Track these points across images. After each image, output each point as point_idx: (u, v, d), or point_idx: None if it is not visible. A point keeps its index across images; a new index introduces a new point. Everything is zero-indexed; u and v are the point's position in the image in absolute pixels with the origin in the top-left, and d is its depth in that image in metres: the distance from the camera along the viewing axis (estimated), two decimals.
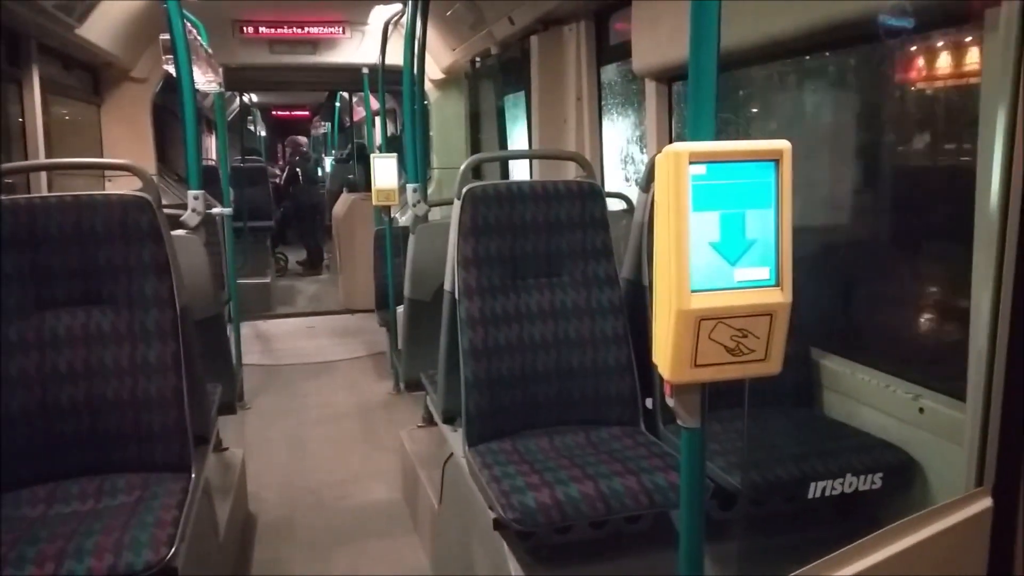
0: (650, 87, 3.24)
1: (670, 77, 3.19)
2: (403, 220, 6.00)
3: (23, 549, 1.55)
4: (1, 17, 3.72)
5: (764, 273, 1.16)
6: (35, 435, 1.88)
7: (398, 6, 5.19)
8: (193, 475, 1.94)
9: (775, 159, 1.15)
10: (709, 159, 1.13)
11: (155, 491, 1.83)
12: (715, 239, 1.14)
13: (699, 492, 1.25)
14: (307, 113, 15.68)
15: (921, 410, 1.95)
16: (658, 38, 2.93)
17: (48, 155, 4.35)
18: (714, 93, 1.16)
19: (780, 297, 1.15)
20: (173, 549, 1.60)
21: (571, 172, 3.61)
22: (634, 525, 1.95)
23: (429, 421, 3.55)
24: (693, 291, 1.12)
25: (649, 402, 2.27)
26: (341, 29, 6.26)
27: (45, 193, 4.05)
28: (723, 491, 1.88)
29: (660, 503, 1.80)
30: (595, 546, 1.93)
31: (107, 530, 1.61)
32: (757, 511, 2.00)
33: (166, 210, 2.14)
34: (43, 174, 4.18)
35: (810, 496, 1.80)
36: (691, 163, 1.11)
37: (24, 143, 4.21)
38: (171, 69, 3.35)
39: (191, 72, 3.22)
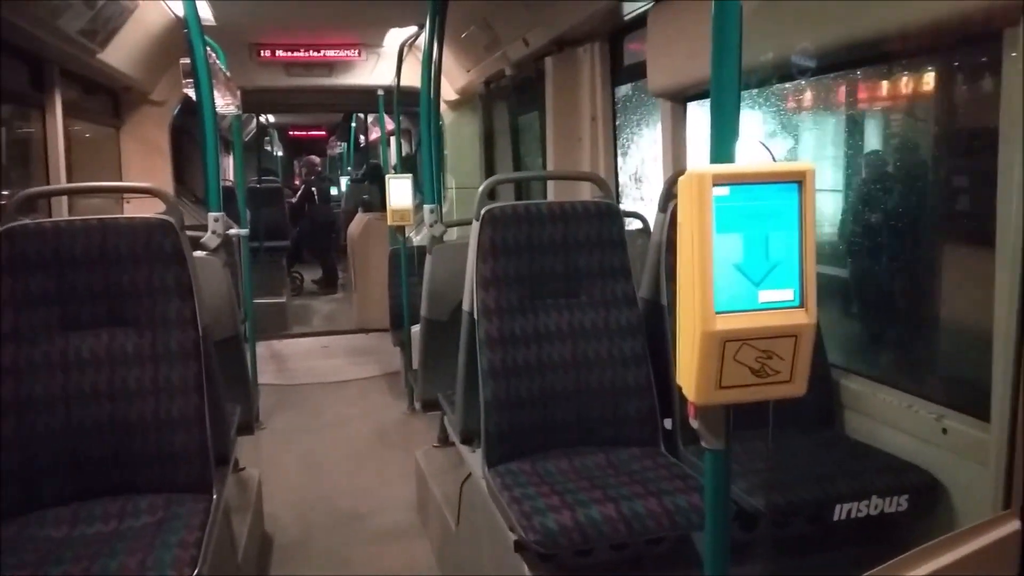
0: (665, 107, 3.26)
1: (685, 97, 3.20)
2: (418, 240, 6.05)
3: (49, 570, 1.55)
4: (25, 43, 3.79)
5: (788, 295, 1.16)
6: (59, 455, 1.89)
7: (413, 29, 5.26)
8: (215, 496, 1.94)
9: (798, 180, 1.15)
10: (732, 181, 1.13)
11: (177, 512, 1.83)
12: (739, 260, 1.14)
13: (724, 514, 1.24)
14: (323, 133, 15.83)
15: (944, 431, 1.93)
16: (673, 58, 2.94)
17: (69, 177, 4.41)
18: (737, 113, 1.16)
19: (805, 318, 1.15)
20: (196, 571, 1.60)
21: (586, 192, 3.63)
22: (655, 547, 1.93)
23: (445, 441, 3.55)
24: (717, 312, 1.12)
25: (668, 423, 2.26)
26: (357, 52, 6.33)
27: (65, 213, 4.11)
28: (745, 513, 1.86)
29: (682, 525, 1.79)
30: (616, 568, 1.92)
31: (131, 551, 1.62)
32: (779, 533, 1.98)
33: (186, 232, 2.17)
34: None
35: (835, 518, 1.78)
36: (714, 185, 1.12)
37: (46, 165, 4.27)
38: (191, 92, 3.40)
39: (212, 95, 3.26)
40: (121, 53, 4.61)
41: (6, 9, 3.13)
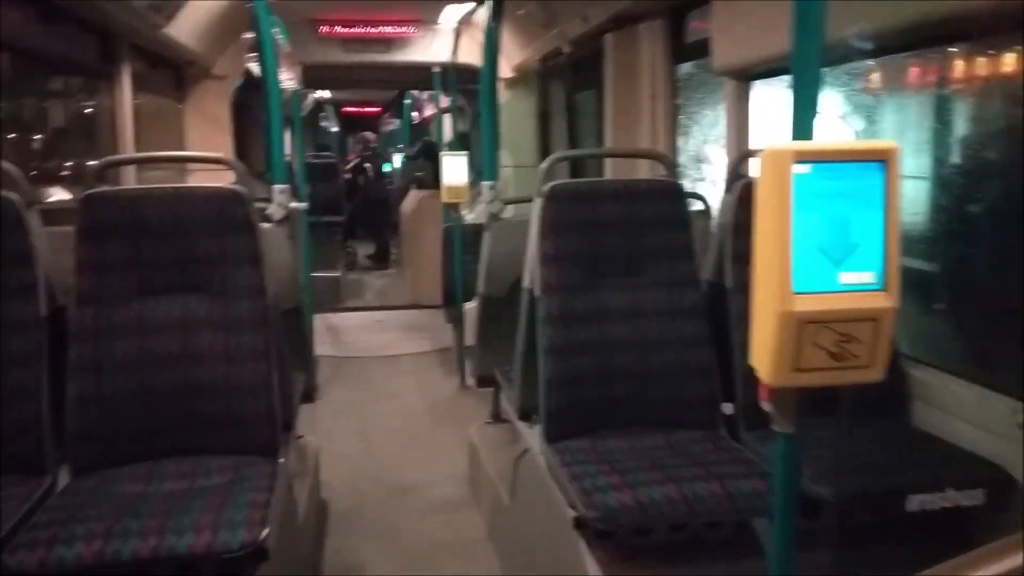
0: (730, 86, 3.19)
1: (751, 75, 3.12)
2: (472, 217, 6.06)
3: (127, 522, 1.62)
4: (96, 17, 3.89)
5: (870, 277, 1.13)
6: (135, 415, 1.96)
7: (470, 5, 5.23)
8: (281, 459, 2.00)
9: (883, 160, 1.12)
10: (814, 159, 1.11)
11: (245, 473, 1.89)
12: (819, 241, 1.12)
13: (792, 499, 1.23)
14: (378, 109, 15.92)
15: (1021, 425, 1.87)
16: (740, 35, 2.87)
17: (136, 148, 4.53)
18: (817, 89, 1.13)
19: (886, 302, 1.12)
20: (266, 530, 1.65)
21: (643, 173, 3.58)
22: (716, 531, 1.92)
23: (498, 417, 3.57)
24: (796, 293, 1.10)
25: (728, 407, 2.23)
26: (414, 28, 6.34)
27: (132, 182, 4.23)
28: (809, 500, 1.83)
29: (745, 510, 1.77)
30: (674, 550, 1.91)
31: (204, 509, 1.68)
32: (845, 522, 1.95)
33: None
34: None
35: (907, 509, 1.74)
36: (795, 162, 1.10)
37: (114, 136, 4.40)
38: (254, 67, 3.45)
39: (276, 71, 3.31)
40: (186, 27, 4.70)
41: None
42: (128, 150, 4.41)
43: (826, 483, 1.76)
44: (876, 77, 3.06)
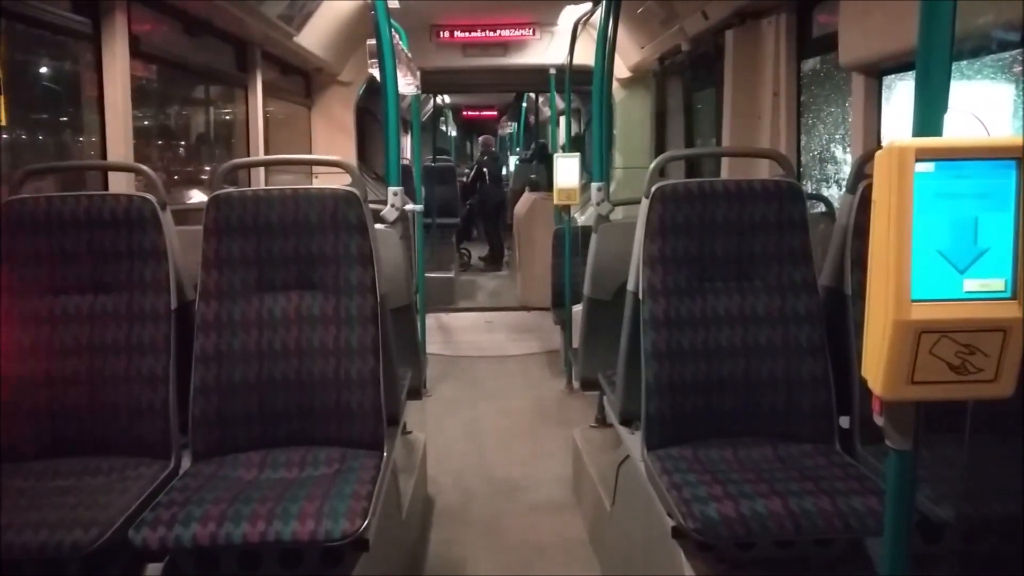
0: (857, 81, 3.02)
1: (881, 70, 2.95)
2: (583, 219, 6.04)
3: (239, 507, 1.71)
4: (233, 28, 4.16)
5: (999, 284, 1.05)
6: (251, 405, 2.08)
7: (588, 5, 5.21)
8: (385, 453, 2.06)
9: (1018, 157, 1.03)
10: (939, 156, 1.03)
11: (351, 465, 1.96)
12: (942, 245, 1.04)
13: (906, 520, 1.14)
14: (495, 113, 16.17)
15: None
16: (870, 28, 2.71)
17: (268, 151, 4.81)
18: (947, 81, 1.05)
19: (1017, 312, 1.04)
20: (366, 522, 1.70)
21: (763, 173, 3.45)
22: (824, 549, 1.82)
23: (602, 422, 3.54)
24: (914, 300, 1.02)
25: (844, 420, 2.11)
26: (531, 31, 6.39)
27: (263, 183, 4.49)
28: (929, 522, 1.70)
29: (856, 529, 1.67)
30: (778, 566, 1.83)
31: (310, 497, 1.75)
32: (968, 548, 1.80)
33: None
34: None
35: None
36: (917, 160, 1.02)
37: (247, 139, 4.68)
38: (376, 72, 3.57)
39: (395, 76, 3.41)
40: (314, 36, 4.95)
41: None
42: (259, 153, 4.69)
43: (949, 505, 1.63)
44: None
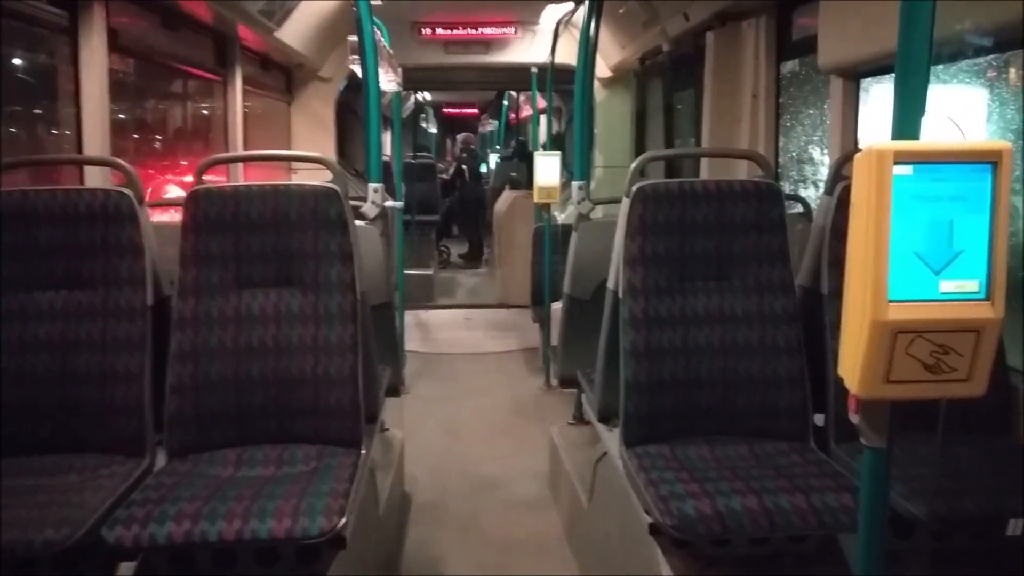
0: (836, 84, 3.05)
1: (859, 73, 2.98)
2: (563, 218, 6.05)
3: (215, 505, 1.70)
4: (213, 22, 4.11)
5: (973, 286, 1.07)
6: (228, 402, 2.06)
7: (570, 5, 5.23)
8: (363, 451, 2.05)
9: (993, 161, 1.05)
10: (917, 159, 1.05)
11: (329, 463, 1.95)
12: (918, 246, 1.06)
13: (879, 516, 1.17)
14: (475, 111, 16.15)
15: None
16: (849, 31, 2.75)
17: (247, 147, 4.76)
18: (925, 85, 1.07)
19: (990, 312, 1.06)
20: (344, 520, 1.69)
21: (740, 174, 3.48)
22: (798, 546, 1.84)
23: (580, 419, 3.55)
24: (890, 301, 1.04)
25: (819, 418, 2.14)
26: (513, 29, 6.39)
27: (241, 179, 4.44)
28: (901, 519, 1.73)
29: (830, 525, 1.69)
30: (752, 563, 1.85)
31: (286, 495, 1.74)
32: (939, 544, 1.84)
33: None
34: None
35: (1006, 534, 1.62)
36: (896, 163, 1.04)
37: (225, 134, 4.63)
38: (357, 69, 3.55)
39: (376, 73, 3.39)
40: (294, 31, 4.90)
41: None
42: (238, 149, 4.64)
43: (921, 502, 1.66)
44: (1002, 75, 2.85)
